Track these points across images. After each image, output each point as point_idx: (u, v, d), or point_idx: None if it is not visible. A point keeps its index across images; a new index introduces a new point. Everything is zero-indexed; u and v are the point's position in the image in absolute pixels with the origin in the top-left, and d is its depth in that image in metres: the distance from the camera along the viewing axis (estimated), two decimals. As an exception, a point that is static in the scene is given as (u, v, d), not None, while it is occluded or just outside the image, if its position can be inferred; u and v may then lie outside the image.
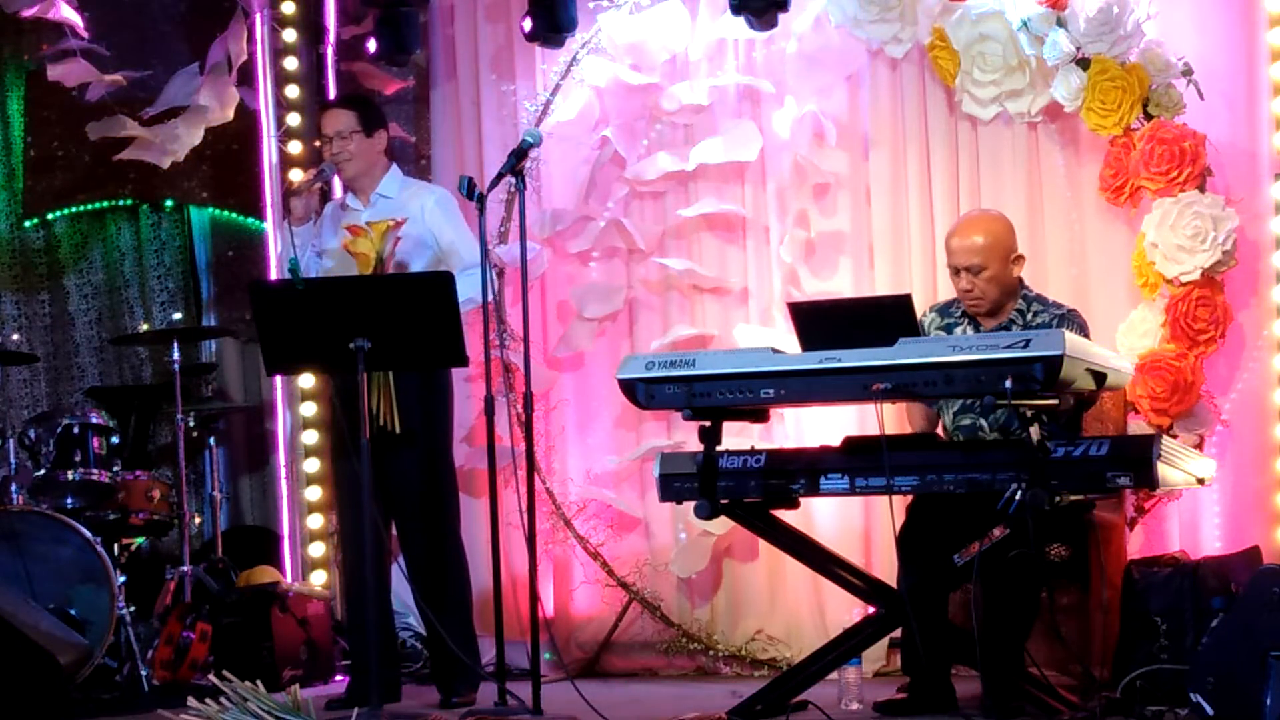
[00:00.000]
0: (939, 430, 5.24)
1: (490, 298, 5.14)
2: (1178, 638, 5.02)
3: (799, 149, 6.21)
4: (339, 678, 6.44)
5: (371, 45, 6.70)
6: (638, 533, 6.48)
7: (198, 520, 7.05)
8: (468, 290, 5.28)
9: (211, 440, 7.08)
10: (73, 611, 5.90)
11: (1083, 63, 5.62)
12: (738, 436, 5.54)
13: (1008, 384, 4.31)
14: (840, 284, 6.21)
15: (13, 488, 6.16)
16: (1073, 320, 5.04)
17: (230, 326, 7.51)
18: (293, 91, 7.04)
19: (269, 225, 7.06)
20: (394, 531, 5.67)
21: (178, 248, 7.74)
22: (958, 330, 5.16)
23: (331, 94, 7.04)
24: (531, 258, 5.75)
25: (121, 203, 7.69)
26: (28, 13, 6.94)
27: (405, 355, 5.17)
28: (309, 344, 5.07)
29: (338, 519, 6.09)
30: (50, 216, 7.64)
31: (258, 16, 6.97)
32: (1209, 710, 4.32)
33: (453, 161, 6.79)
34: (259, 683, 4.47)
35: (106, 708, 5.74)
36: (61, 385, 7.65)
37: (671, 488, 5.12)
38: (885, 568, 5.65)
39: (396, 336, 4.99)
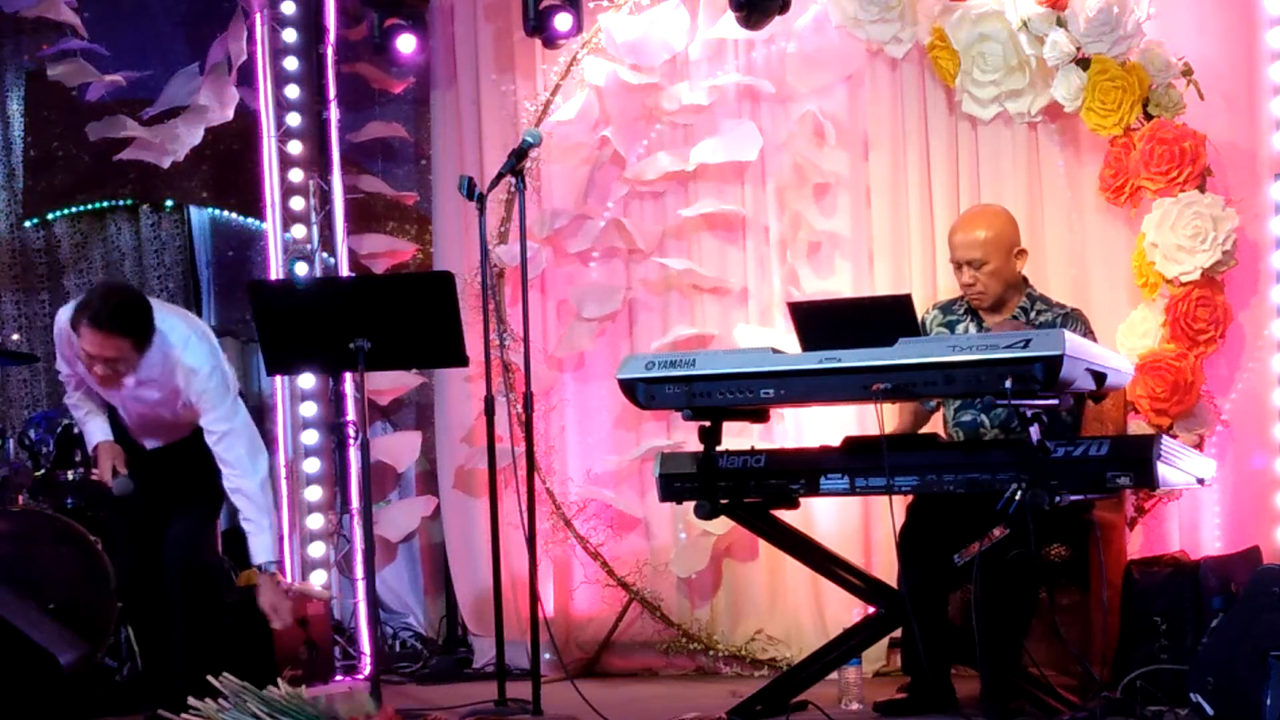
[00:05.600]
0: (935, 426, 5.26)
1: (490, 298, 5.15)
2: (1178, 638, 5.02)
3: (799, 149, 6.21)
4: (339, 677, 6.45)
5: (409, 42, 6.64)
6: (638, 533, 6.48)
7: (198, 520, 7.04)
8: (247, 473, 5.07)
9: (211, 440, 7.06)
10: (73, 612, 5.89)
11: (1083, 63, 5.62)
12: (738, 436, 5.54)
13: (1008, 384, 4.31)
14: (840, 284, 6.21)
15: (13, 488, 6.16)
16: (1076, 320, 5.05)
17: (230, 326, 7.51)
18: (293, 91, 7.04)
19: (269, 225, 7.05)
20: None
21: (178, 248, 7.74)
22: (960, 328, 5.16)
23: (332, 93, 7.03)
24: (531, 257, 5.75)
25: (121, 203, 7.68)
26: (28, 12, 6.94)
27: (405, 355, 5.17)
28: (309, 344, 5.07)
29: (112, 522, 5.60)
30: (50, 216, 7.64)
31: (258, 16, 6.97)
32: (1209, 710, 4.32)
33: (453, 161, 6.79)
34: (282, 683, 4.45)
35: (106, 708, 5.74)
36: (61, 385, 7.64)
37: (671, 488, 5.12)
38: (885, 568, 5.66)
39: (396, 336, 4.99)
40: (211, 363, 5.08)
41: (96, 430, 5.33)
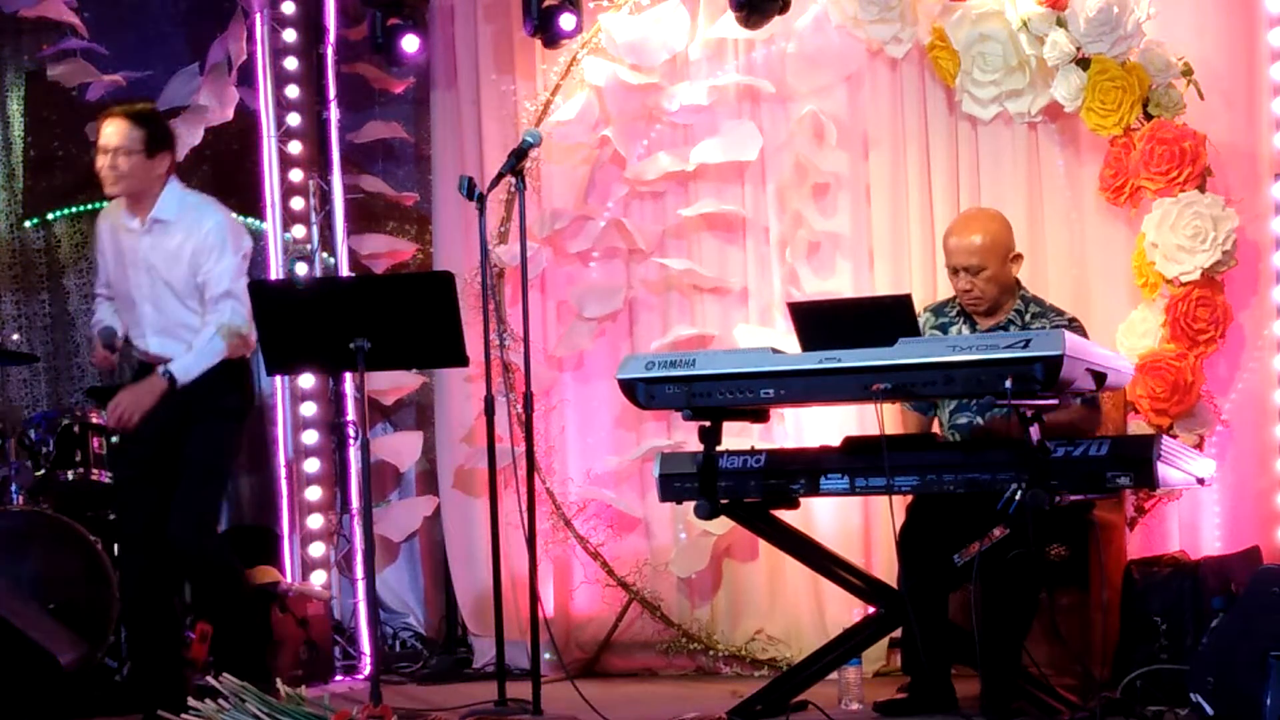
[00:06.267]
0: (934, 431, 5.25)
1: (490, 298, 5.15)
2: (1178, 638, 5.02)
3: (799, 149, 6.21)
4: (339, 677, 6.45)
5: (413, 42, 6.64)
6: (638, 533, 6.48)
7: (198, 520, 7.04)
8: (220, 320, 5.19)
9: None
10: (73, 611, 5.90)
11: (1083, 63, 5.62)
12: (738, 436, 5.54)
13: (1008, 384, 4.31)
14: (840, 284, 6.20)
15: (13, 488, 6.16)
16: (1073, 328, 5.02)
17: (230, 326, 7.49)
18: (293, 91, 7.05)
19: (269, 225, 7.06)
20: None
21: (178, 247, 7.73)
22: (953, 330, 5.16)
23: (332, 93, 7.03)
24: (531, 257, 5.75)
25: (122, 203, 7.68)
26: (28, 12, 6.94)
27: (405, 355, 5.17)
28: (309, 344, 5.06)
29: (122, 508, 5.66)
30: (50, 216, 7.63)
31: (258, 16, 6.97)
32: (1209, 710, 4.32)
33: (453, 161, 6.78)
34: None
35: (106, 708, 5.74)
36: (61, 385, 7.65)
37: (671, 488, 5.12)
38: (885, 568, 5.66)
39: (396, 336, 4.99)
40: (225, 222, 5.32)
41: (104, 317, 5.47)
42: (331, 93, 7.05)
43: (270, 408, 7.09)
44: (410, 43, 6.62)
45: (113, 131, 5.25)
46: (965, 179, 6.02)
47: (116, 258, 5.42)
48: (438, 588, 7.07)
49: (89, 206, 7.66)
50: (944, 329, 5.18)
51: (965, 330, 5.13)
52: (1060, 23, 5.65)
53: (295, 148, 7.00)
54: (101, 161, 5.27)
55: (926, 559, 4.84)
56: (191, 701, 4.44)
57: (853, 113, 6.22)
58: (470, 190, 5.22)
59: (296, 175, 7.01)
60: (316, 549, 6.88)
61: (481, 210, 5.26)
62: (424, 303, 4.98)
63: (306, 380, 6.88)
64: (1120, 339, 5.59)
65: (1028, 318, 5.07)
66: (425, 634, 7.05)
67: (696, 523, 5.78)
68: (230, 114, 6.98)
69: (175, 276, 5.29)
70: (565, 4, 6.29)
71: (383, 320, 4.97)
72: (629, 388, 4.86)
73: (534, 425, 5.43)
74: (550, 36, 6.40)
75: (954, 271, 5.09)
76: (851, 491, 4.88)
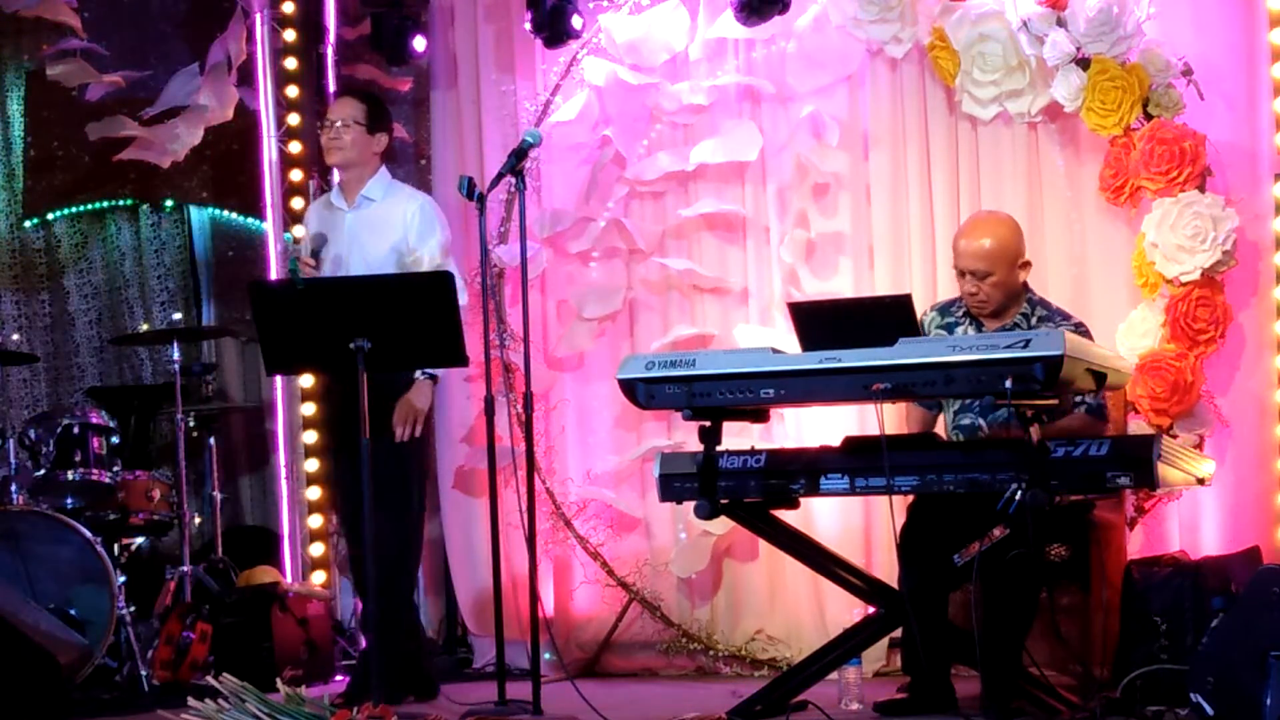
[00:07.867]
0: (938, 430, 5.24)
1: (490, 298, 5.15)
2: (1178, 638, 5.02)
3: (799, 149, 6.21)
4: (339, 677, 6.44)
5: (422, 42, 6.69)
6: (638, 533, 6.48)
7: (198, 520, 7.06)
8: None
9: (211, 440, 7.07)
10: (73, 611, 5.90)
11: (1083, 63, 5.62)
12: (738, 436, 5.54)
13: (1008, 384, 4.31)
14: (840, 284, 6.20)
15: (13, 488, 6.15)
16: (1079, 333, 5.01)
17: (230, 326, 7.50)
18: (293, 91, 7.05)
19: (269, 225, 7.06)
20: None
21: (178, 248, 7.74)
22: (959, 330, 5.15)
23: (332, 93, 7.03)
24: (531, 257, 5.75)
25: (121, 203, 7.69)
26: (28, 12, 6.95)
27: (405, 355, 5.16)
28: (309, 344, 5.06)
29: (339, 517, 6.01)
30: (50, 216, 7.64)
31: (258, 16, 6.98)
32: (1209, 710, 4.32)
33: (453, 161, 6.78)
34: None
35: (106, 708, 5.74)
36: (61, 385, 7.65)
37: (671, 488, 5.11)
38: (885, 568, 5.66)
39: (396, 336, 4.98)
40: (431, 205, 5.73)
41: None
42: (331, 92, 7.05)
43: (270, 407, 7.09)
44: (419, 43, 6.65)
45: (339, 105, 5.75)
46: (965, 179, 6.02)
47: (322, 229, 5.69)
48: (438, 588, 7.07)
49: (89, 206, 7.68)
50: (950, 329, 5.17)
51: (971, 331, 5.11)
52: (1060, 23, 5.65)
53: (295, 148, 7.00)
54: (326, 133, 5.69)
55: (926, 559, 4.84)
56: (191, 701, 4.44)
57: (853, 113, 6.22)
58: (470, 190, 5.22)
59: (296, 175, 7.01)
60: (316, 549, 6.87)
61: (481, 210, 5.26)
62: (424, 303, 4.98)
63: (306, 380, 6.88)
64: (1120, 339, 5.59)
65: (1034, 320, 5.05)
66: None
67: (696, 523, 5.78)
68: (230, 114, 6.99)
69: (374, 253, 5.57)
70: (569, 4, 6.28)
71: (383, 320, 4.96)
72: (629, 388, 4.86)
73: (534, 425, 5.43)
74: (557, 36, 6.38)
75: (961, 274, 5.07)
76: (851, 491, 4.88)
